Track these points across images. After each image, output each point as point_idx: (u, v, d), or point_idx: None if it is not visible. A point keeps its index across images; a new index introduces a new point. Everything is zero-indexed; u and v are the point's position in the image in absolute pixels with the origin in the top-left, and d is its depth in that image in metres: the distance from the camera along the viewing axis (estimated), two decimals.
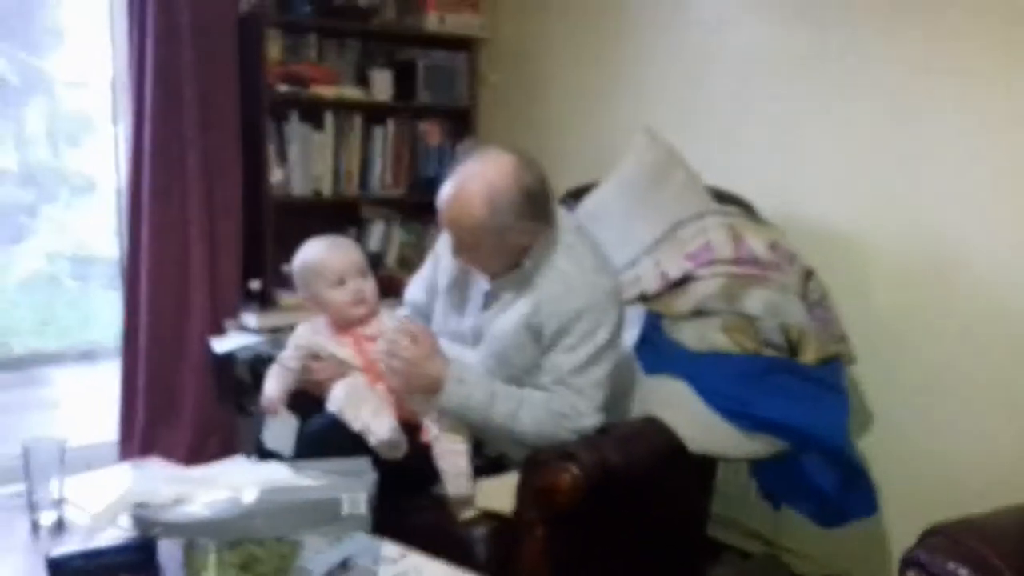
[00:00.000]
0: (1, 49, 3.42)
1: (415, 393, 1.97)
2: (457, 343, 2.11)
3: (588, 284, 1.95)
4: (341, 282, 2.06)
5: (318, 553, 1.60)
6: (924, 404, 2.35)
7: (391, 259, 3.45)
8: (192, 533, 1.51)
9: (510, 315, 1.99)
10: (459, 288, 2.14)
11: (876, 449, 2.38)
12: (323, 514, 1.53)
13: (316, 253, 2.12)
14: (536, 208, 1.94)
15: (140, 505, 1.55)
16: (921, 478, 2.33)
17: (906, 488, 2.33)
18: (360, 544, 1.65)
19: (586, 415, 1.93)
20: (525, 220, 1.93)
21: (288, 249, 2.24)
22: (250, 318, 3.05)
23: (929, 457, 2.33)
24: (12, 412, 3.43)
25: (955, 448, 2.29)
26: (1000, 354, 2.21)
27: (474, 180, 1.92)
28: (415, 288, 2.32)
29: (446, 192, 1.95)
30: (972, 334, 2.25)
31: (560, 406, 1.93)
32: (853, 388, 2.39)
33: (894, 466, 2.36)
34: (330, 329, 2.11)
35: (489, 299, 2.06)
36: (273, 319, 3.01)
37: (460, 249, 2.00)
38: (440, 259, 2.21)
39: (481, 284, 2.08)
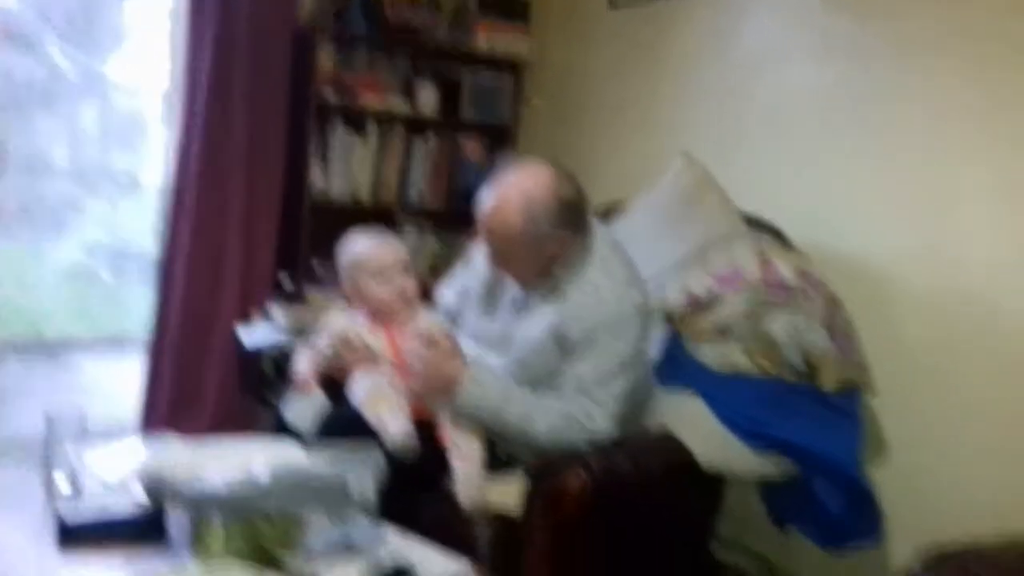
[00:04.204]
0: (63, 49, 3.53)
1: (433, 393, 1.99)
2: (484, 347, 2.14)
3: (617, 297, 1.98)
4: (386, 278, 2.09)
5: (321, 532, 1.62)
6: (943, 439, 2.33)
7: (422, 267, 3.48)
8: (202, 505, 1.53)
9: (538, 322, 2.02)
10: (490, 293, 2.17)
11: (890, 480, 2.35)
12: (331, 495, 1.56)
13: (364, 247, 2.15)
14: (572, 218, 1.98)
15: (153, 475, 1.58)
16: (934, 511, 2.31)
17: (917, 520, 2.30)
18: (363, 526, 1.66)
19: (601, 424, 1.94)
20: (561, 230, 1.97)
21: (323, 251, 2.28)
22: (278, 313, 3.08)
23: (943, 491, 2.31)
24: (39, 394, 3.49)
25: (970, 483, 2.27)
26: (1019, 391, 2.20)
27: (512, 190, 1.97)
28: (447, 291, 2.36)
29: (484, 202, 2.00)
30: (996, 372, 2.24)
31: (576, 413, 1.94)
32: (872, 419, 2.38)
33: (906, 497, 2.33)
34: (366, 318, 2.13)
35: (519, 305, 2.09)
36: (301, 315, 3.02)
37: (496, 257, 2.04)
38: (474, 263, 2.25)
39: (512, 290, 2.11)
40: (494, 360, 2.09)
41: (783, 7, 2.79)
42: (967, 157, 2.32)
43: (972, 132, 2.31)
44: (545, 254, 2.00)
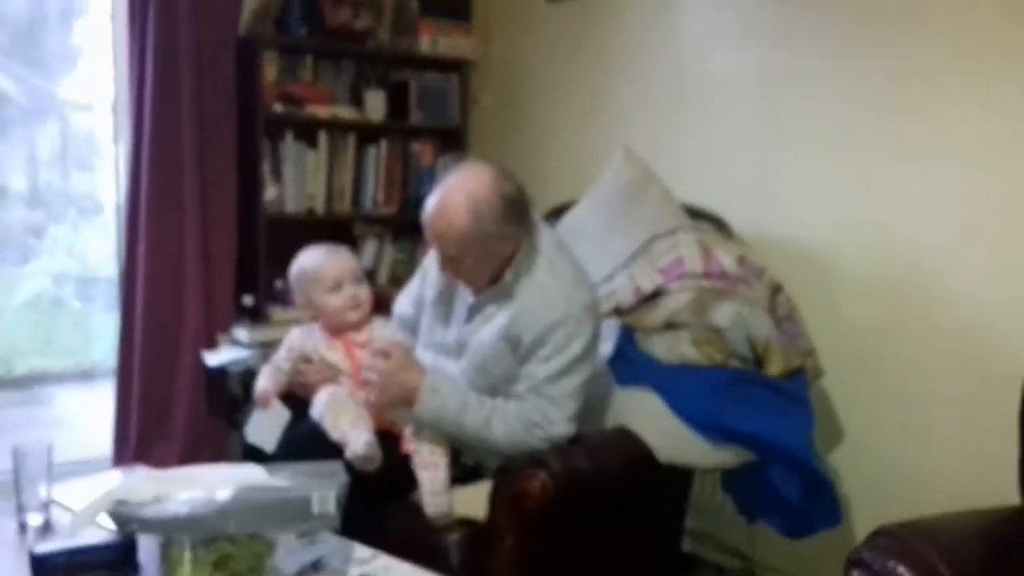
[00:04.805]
0: (13, 72, 3.50)
1: (391, 404, 2.03)
2: (441, 355, 2.18)
3: (565, 297, 2.01)
4: (337, 287, 2.13)
5: (291, 553, 1.65)
6: (890, 418, 2.39)
7: (383, 276, 3.51)
8: (168, 529, 1.55)
9: (491, 327, 2.05)
10: (444, 302, 2.20)
11: (844, 462, 2.43)
12: (293, 512, 1.58)
13: (314, 259, 2.19)
14: (517, 213, 2.02)
15: (120, 502, 1.60)
16: (889, 491, 2.37)
17: (875, 500, 2.37)
18: (332, 545, 1.70)
19: (558, 424, 1.98)
20: (507, 225, 2.00)
21: (281, 265, 2.31)
22: (242, 333, 3.10)
23: (897, 470, 2.37)
24: (13, 430, 3.48)
25: (920, 461, 2.33)
26: (963, 369, 2.26)
27: (456, 192, 1.99)
28: (404, 301, 2.39)
29: (430, 207, 2.02)
30: (937, 349, 2.30)
31: (532, 415, 1.98)
32: (822, 401, 2.44)
33: (863, 479, 2.40)
34: (323, 333, 2.17)
35: (472, 312, 2.12)
36: (265, 334, 3.06)
37: (447, 261, 2.06)
38: (428, 273, 2.28)
39: (465, 297, 2.14)
40: (452, 367, 2.13)
41: None
42: (904, 137, 2.36)
43: (909, 111, 2.35)
44: (495, 253, 2.03)
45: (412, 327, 2.31)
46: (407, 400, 2.00)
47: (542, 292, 2.02)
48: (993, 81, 2.19)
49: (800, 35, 2.57)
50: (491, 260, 2.04)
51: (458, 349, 2.14)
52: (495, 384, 2.05)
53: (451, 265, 2.06)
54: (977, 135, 2.23)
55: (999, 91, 2.18)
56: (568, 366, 1.99)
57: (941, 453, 2.29)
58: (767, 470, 2.12)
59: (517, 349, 2.02)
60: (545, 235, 2.12)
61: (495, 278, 2.07)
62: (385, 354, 2.04)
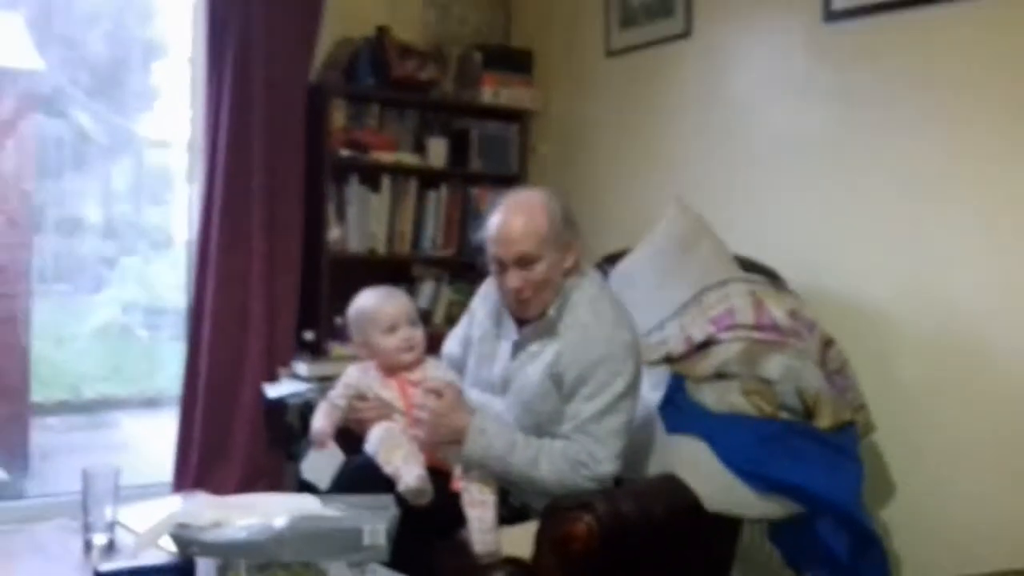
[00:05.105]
0: (93, 109, 3.69)
1: (440, 443, 2.08)
2: (487, 392, 2.23)
3: (605, 336, 2.06)
4: (393, 329, 2.19)
5: None
6: (944, 475, 2.36)
7: (439, 317, 3.58)
8: (226, 553, 1.62)
9: (536, 365, 2.11)
10: (490, 340, 2.26)
11: (895, 518, 2.39)
12: (345, 542, 1.63)
13: (371, 301, 2.26)
14: (574, 221, 2.16)
15: (181, 526, 1.68)
16: (941, 548, 2.33)
17: (926, 558, 2.34)
18: None
19: (603, 462, 2.01)
20: (569, 231, 2.13)
21: (342, 302, 2.39)
22: (302, 367, 3.19)
23: (949, 529, 2.33)
24: (79, 452, 3.61)
25: (975, 520, 2.29)
26: (1017, 429, 2.23)
27: (523, 203, 2.12)
28: (452, 342, 2.45)
29: (498, 220, 2.11)
30: (993, 407, 2.28)
31: (578, 454, 2.01)
32: (875, 457, 2.42)
33: (914, 535, 2.37)
34: (378, 372, 2.23)
35: (516, 349, 2.17)
36: (324, 368, 3.13)
37: (522, 265, 2.07)
38: (475, 314, 2.35)
39: (510, 335, 2.20)
40: (499, 405, 2.18)
41: (767, 53, 2.89)
42: (961, 193, 2.37)
43: (965, 168, 2.36)
44: (560, 263, 2.10)
45: (459, 367, 2.37)
46: (456, 440, 2.05)
47: (584, 331, 2.07)
48: None
49: (859, 95, 2.59)
50: (556, 271, 2.10)
51: (503, 386, 2.19)
52: (541, 423, 2.09)
53: (525, 271, 2.08)
54: None
55: None
56: (611, 404, 2.03)
57: (993, 511, 2.25)
58: (815, 523, 2.11)
59: (561, 387, 2.06)
60: (590, 274, 2.18)
61: (539, 315, 2.12)
62: (437, 394, 2.09)
